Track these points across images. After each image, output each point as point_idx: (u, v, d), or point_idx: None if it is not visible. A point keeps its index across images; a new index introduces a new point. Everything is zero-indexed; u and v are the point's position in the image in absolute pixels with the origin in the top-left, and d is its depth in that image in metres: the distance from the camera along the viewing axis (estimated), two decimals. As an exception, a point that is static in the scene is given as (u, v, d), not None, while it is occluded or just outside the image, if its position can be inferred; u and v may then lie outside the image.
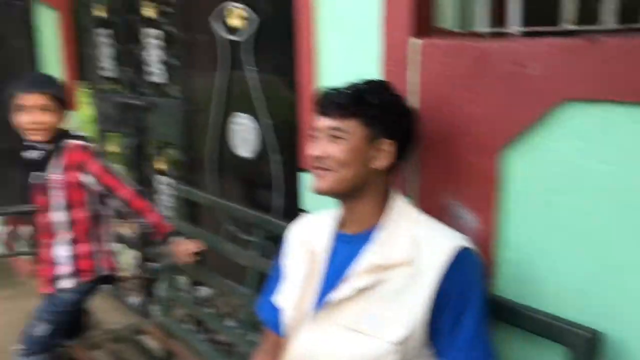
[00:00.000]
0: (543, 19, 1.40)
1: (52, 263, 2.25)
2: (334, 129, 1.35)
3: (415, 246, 1.32)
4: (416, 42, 1.54)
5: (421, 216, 1.40)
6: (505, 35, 1.45)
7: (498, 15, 1.51)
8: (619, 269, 1.25)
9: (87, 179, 2.16)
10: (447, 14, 1.59)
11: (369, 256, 1.34)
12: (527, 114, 1.33)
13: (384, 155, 1.38)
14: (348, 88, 1.38)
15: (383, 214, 1.39)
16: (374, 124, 1.36)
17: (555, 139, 1.30)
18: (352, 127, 1.35)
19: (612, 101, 1.19)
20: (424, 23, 1.56)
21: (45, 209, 2.21)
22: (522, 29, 1.43)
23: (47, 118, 2.14)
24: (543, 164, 1.33)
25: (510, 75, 1.34)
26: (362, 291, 1.32)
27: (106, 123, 3.49)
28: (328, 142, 1.36)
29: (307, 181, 1.88)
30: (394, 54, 1.59)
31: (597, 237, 1.27)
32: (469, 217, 1.48)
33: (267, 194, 2.37)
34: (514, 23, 1.45)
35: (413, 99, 1.54)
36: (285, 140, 2.31)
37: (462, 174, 1.48)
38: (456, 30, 1.59)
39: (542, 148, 1.33)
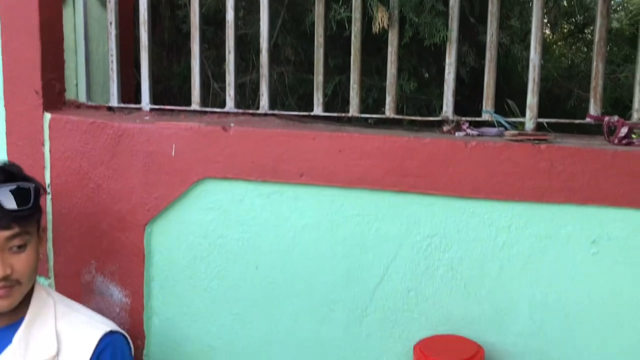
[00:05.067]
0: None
1: None
2: (16, 238, 1.19)
3: (58, 342, 1.23)
4: (47, 117, 1.52)
5: (63, 306, 1.29)
6: (138, 111, 1.62)
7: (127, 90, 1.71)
8: (254, 320, 1.44)
9: None
10: (75, 86, 1.64)
11: (8, 358, 1.21)
12: (168, 191, 1.44)
13: (43, 243, 1.29)
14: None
15: (29, 305, 1.26)
16: (37, 216, 1.25)
17: (196, 213, 1.45)
18: (31, 228, 1.22)
19: (243, 179, 1.40)
20: (55, 96, 1.57)
21: None
22: (153, 105, 1.62)
23: None
24: (185, 235, 1.47)
25: (149, 154, 1.44)
26: None
27: None
28: (10, 255, 1.19)
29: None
30: (20, 128, 1.53)
31: (232, 295, 1.45)
32: (117, 293, 1.51)
33: None
34: (145, 100, 1.62)
35: (46, 175, 1.53)
36: None
37: (107, 250, 1.50)
38: (89, 103, 1.65)
39: (183, 221, 1.46)
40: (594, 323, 1.25)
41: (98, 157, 1.50)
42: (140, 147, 1.47)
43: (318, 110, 1.52)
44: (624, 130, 1.31)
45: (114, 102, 1.65)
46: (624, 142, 1.29)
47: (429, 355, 1.22)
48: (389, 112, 1.47)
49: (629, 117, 1.37)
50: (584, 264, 1.25)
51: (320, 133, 1.37)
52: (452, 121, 1.44)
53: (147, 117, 1.56)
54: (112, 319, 1.40)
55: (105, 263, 1.52)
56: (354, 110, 1.49)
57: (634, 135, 1.34)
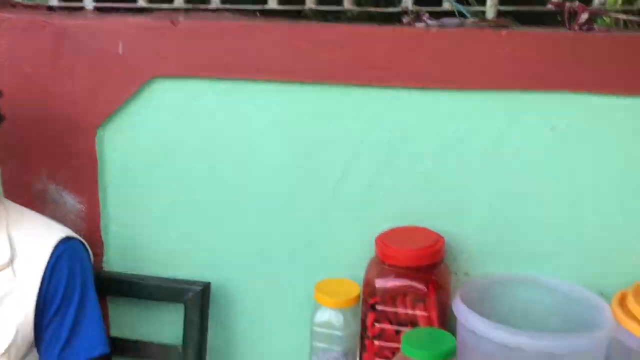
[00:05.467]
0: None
1: None
2: None
3: (11, 248, 1.22)
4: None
5: (16, 213, 1.28)
6: (80, 10, 1.52)
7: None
8: (215, 223, 1.43)
9: None
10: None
11: None
12: (117, 92, 1.37)
13: None
14: None
15: None
16: None
17: (148, 114, 1.38)
18: None
19: (197, 76, 1.33)
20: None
21: None
22: (97, 4, 1.54)
23: None
24: (139, 138, 1.40)
25: (94, 54, 1.36)
26: None
27: None
28: None
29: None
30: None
31: (191, 199, 1.42)
32: (71, 201, 1.47)
33: None
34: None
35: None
36: None
37: (58, 157, 1.45)
38: (26, 2, 1.55)
39: (136, 124, 1.40)
40: (551, 208, 1.28)
41: (40, 59, 1.41)
42: (85, 46, 1.38)
43: (272, 3, 1.45)
44: (584, 16, 1.28)
45: (54, 1, 1.54)
46: (584, 28, 1.27)
47: (390, 245, 1.23)
48: (347, 3, 1.42)
49: (591, 4, 1.34)
50: (543, 151, 1.26)
51: (277, 25, 1.31)
52: (412, 12, 1.39)
53: (91, 15, 1.47)
54: (68, 227, 1.35)
55: (56, 171, 1.47)
56: (310, 1, 1.43)
57: (595, 23, 1.32)
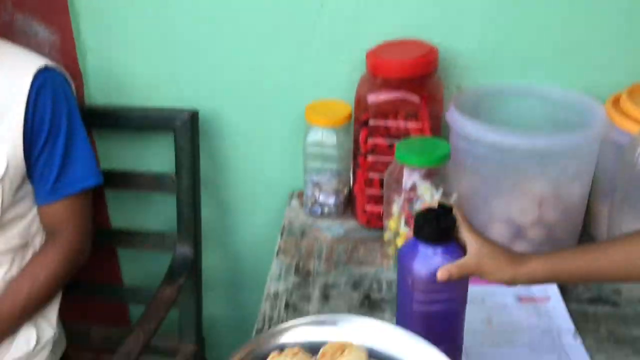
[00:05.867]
0: None
1: None
2: None
3: None
4: None
5: None
6: None
7: None
8: (197, 49, 1.37)
9: None
10: None
11: None
12: None
13: None
14: None
15: None
16: None
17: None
18: None
19: None
20: None
21: None
22: None
23: None
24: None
25: None
26: None
27: None
28: None
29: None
30: None
31: (172, 30, 1.35)
32: (42, 31, 1.39)
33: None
34: None
35: None
36: None
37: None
38: None
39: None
40: (546, 13, 1.23)
41: None
42: None
43: None
44: None
45: None
46: None
47: (382, 57, 1.19)
48: None
49: None
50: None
51: None
52: None
53: None
54: (43, 59, 1.28)
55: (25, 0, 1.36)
56: None
57: None
